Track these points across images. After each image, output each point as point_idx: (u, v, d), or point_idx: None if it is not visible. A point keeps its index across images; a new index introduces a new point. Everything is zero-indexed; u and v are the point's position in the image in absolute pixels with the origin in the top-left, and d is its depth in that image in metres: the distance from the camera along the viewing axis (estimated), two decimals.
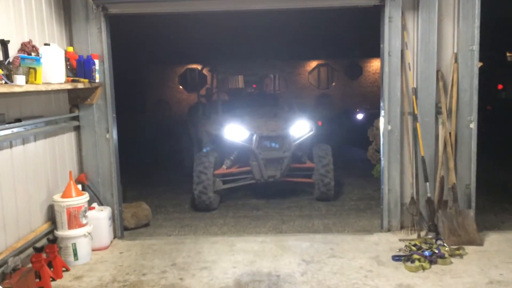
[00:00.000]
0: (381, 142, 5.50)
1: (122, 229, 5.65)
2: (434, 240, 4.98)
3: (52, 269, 4.41)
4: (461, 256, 4.72)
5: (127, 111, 12.30)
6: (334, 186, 7.12)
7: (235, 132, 7.02)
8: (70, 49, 5.15)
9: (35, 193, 4.66)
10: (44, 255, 4.32)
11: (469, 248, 4.88)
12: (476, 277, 4.25)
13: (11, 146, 4.24)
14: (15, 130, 4.21)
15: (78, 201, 4.75)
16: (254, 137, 6.94)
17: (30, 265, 4.20)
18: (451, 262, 4.56)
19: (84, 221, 4.82)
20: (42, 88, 4.14)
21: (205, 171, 6.74)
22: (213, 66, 8.86)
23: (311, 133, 7.29)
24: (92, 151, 5.47)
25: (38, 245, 4.46)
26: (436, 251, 4.67)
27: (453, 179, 5.30)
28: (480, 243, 5.03)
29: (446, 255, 4.62)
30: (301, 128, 7.22)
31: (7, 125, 4.12)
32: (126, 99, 11.61)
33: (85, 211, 4.84)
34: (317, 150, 7.31)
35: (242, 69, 9.16)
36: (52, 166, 4.99)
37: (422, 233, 5.30)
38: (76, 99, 5.37)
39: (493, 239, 5.19)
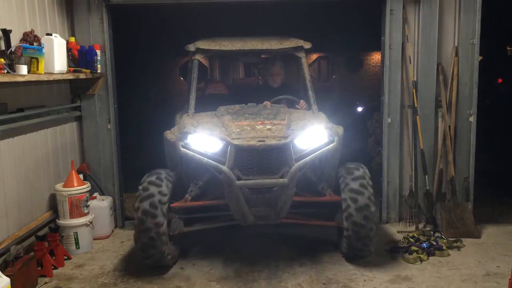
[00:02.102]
0: (382, 135, 5.52)
1: (124, 218, 5.68)
2: (432, 232, 5.03)
3: (54, 257, 4.46)
4: (458, 248, 4.76)
5: (128, 102, 12.27)
6: (375, 235, 4.34)
7: (198, 141, 4.15)
8: (72, 39, 5.16)
9: (37, 182, 4.70)
10: (46, 244, 4.37)
11: (466, 241, 4.92)
12: (473, 269, 4.30)
13: (13, 136, 4.27)
14: (17, 119, 4.24)
15: (79, 190, 4.78)
16: (229, 149, 4.01)
17: (32, 253, 4.24)
18: (449, 254, 4.61)
19: (85, 211, 4.85)
20: (44, 78, 4.16)
21: (154, 211, 4.08)
22: (193, 43, 5.02)
23: (333, 145, 4.22)
24: (93, 141, 5.50)
25: (40, 233, 4.50)
26: (434, 243, 4.71)
27: (452, 172, 5.33)
28: (478, 236, 5.08)
29: (444, 247, 4.66)
30: (314, 137, 4.21)
31: (9, 114, 4.14)
32: (127, 90, 11.59)
33: (87, 201, 4.87)
34: (345, 174, 4.41)
35: (238, 46, 5.07)
36: (54, 156, 5.02)
37: (420, 225, 5.35)
38: (78, 90, 5.39)
39: (491, 232, 5.24)
